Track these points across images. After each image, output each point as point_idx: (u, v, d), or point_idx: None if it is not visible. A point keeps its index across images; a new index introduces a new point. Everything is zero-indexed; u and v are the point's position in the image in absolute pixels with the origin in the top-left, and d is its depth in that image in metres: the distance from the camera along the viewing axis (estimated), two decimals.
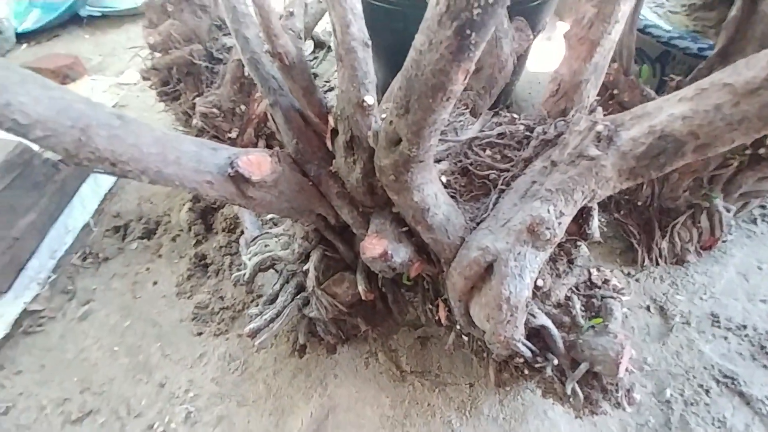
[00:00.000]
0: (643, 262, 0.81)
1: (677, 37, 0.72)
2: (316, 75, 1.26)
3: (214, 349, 0.76)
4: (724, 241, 0.82)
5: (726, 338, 0.73)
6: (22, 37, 1.64)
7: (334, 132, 0.48)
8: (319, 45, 1.29)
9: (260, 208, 0.48)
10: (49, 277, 0.90)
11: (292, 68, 0.45)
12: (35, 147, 0.93)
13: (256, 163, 0.44)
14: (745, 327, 0.73)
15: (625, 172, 0.43)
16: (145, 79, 0.85)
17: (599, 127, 0.42)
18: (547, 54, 1.23)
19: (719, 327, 0.74)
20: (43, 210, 0.93)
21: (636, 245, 0.81)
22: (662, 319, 0.76)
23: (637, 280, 0.81)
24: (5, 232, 0.86)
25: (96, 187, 1.04)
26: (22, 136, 0.32)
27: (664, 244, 0.79)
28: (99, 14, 1.65)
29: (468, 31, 0.24)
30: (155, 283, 0.87)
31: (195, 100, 0.83)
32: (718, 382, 0.67)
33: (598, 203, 0.83)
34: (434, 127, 0.33)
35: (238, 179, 0.43)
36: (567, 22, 1.31)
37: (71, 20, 1.67)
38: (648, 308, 0.78)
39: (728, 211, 0.74)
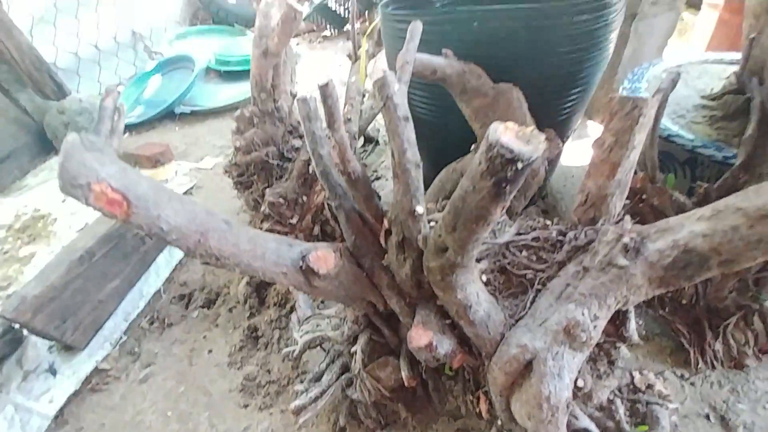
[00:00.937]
0: (698, 364, 0.78)
1: (701, 146, 0.78)
2: (365, 165, 1.42)
3: (257, 424, 0.79)
4: None
5: None
6: (127, 128, 2.00)
7: (388, 232, 0.57)
8: (369, 140, 1.48)
9: (321, 295, 0.56)
10: (120, 339, 1.00)
11: (357, 181, 0.56)
12: None
13: (323, 258, 0.52)
14: None
15: (655, 281, 0.47)
16: (226, 172, 1.02)
17: (626, 239, 0.48)
18: (579, 150, 1.32)
19: None
20: (126, 277, 1.08)
21: (687, 345, 0.79)
22: (723, 430, 0.70)
23: (692, 384, 0.77)
24: (94, 295, 1.00)
25: (170, 257, 1.19)
26: (161, 238, 0.42)
27: (718, 346, 0.76)
28: (189, 111, 2.00)
29: (503, 185, 0.32)
30: (210, 351, 0.94)
31: (265, 190, 0.98)
32: None
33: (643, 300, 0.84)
34: (476, 243, 0.40)
35: (308, 272, 0.51)
36: (596, 121, 1.42)
37: (166, 116, 2.03)
38: (707, 417, 0.73)
39: None
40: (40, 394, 0.91)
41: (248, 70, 2.28)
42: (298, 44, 2.82)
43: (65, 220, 1.39)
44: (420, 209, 0.52)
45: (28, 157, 1.79)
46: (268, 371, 0.87)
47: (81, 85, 2.12)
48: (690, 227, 0.45)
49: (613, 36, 0.78)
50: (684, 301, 0.76)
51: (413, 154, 0.52)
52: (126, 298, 1.08)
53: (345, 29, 2.71)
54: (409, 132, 0.52)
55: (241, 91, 2.07)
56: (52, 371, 0.93)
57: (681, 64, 1.09)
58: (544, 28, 0.68)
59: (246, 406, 0.82)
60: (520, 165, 0.30)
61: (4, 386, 0.95)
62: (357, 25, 2.41)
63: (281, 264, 0.51)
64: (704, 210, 0.45)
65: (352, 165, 0.53)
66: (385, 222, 0.57)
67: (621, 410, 0.49)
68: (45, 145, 1.82)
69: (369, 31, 1.12)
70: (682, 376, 0.78)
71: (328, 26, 2.70)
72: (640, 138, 0.53)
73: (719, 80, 0.96)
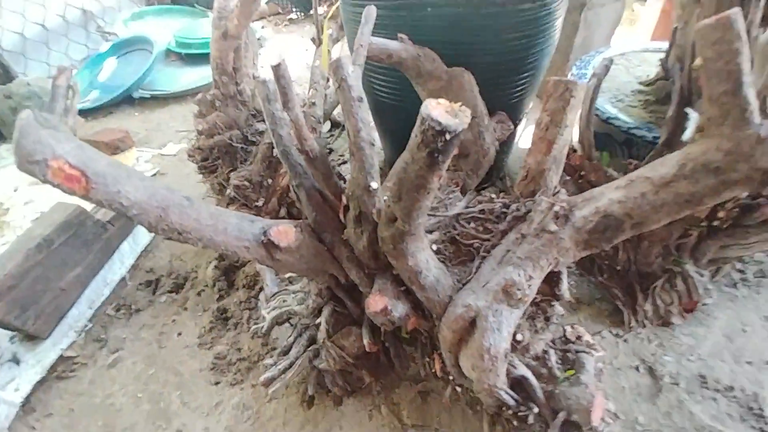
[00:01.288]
0: (630, 323, 0.87)
1: (635, 127, 0.86)
2: (331, 150, 1.44)
3: (229, 399, 0.81)
4: (705, 304, 0.88)
5: (715, 399, 0.76)
6: (82, 113, 1.90)
7: (346, 208, 0.60)
8: (335, 125, 1.49)
9: (284, 268, 0.59)
10: (86, 326, 0.99)
11: (315, 160, 0.59)
12: (88, 209, 1.08)
13: (284, 232, 0.55)
14: (732, 388, 0.77)
15: (581, 244, 0.53)
16: (190, 156, 1.02)
17: (556, 208, 0.53)
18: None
19: (707, 388, 0.77)
20: (88, 264, 1.06)
21: (621, 307, 0.88)
22: (652, 380, 0.80)
23: (625, 341, 0.86)
24: (55, 283, 0.98)
25: (134, 244, 1.18)
26: (122, 213, 0.44)
27: (648, 306, 0.86)
28: (148, 96, 1.93)
29: (436, 155, 0.36)
30: (179, 334, 0.95)
31: (230, 174, 0.98)
32: None
33: (583, 267, 0.92)
34: (420, 211, 0.45)
35: (269, 245, 0.54)
36: None
37: (124, 100, 1.95)
38: (637, 368, 0.82)
39: (701, 275, 0.81)
40: (5, 383, 0.89)
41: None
42: (263, 27, 2.75)
43: (18, 210, 1.33)
44: (374, 185, 0.55)
45: None
46: (239, 349, 0.90)
47: (28, 68, 2.00)
48: (609, 195, 0.51)
49: (558, 24, 0.84)
50: (618, 268, 0.84)
51: (367, 133, 0.56)
52: (89, 286, 1.06)
53: (311, 12, 2.67)
54: (364, 112, 0.56)
55: (203, 75, 2.02)
56: (16, 360, 0.92)
57: (624, 53, 1.18)
58: (492, 15, 0.73)
59: (217, 383, 0.85)
60: (448, 136, 0.35)
61: None
62: (322, 9, 2.38)
63: (243, 238, 0.53)
64: (620, 180, 0.51)
65: (309, 143, 0.56)
66: (344, 198, 0.61)
67: (553, 359, 0.56)
68: None
69: (331, 14, 1.13)
70: (617, 335, 0.87)
71: (293, 9, 2.65)
72: (572, 117, 0.59)
73: (656, 68, 1.04)
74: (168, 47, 2.17)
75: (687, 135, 0.57)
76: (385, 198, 0.54)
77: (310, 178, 0.63)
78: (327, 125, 1.50)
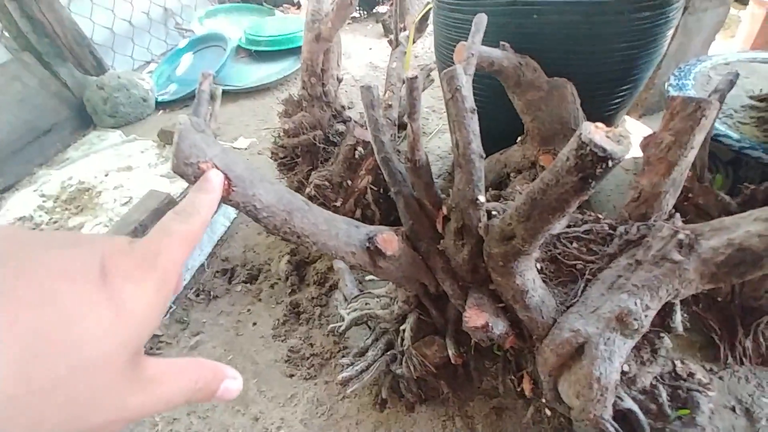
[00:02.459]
0: (726, 359, 0.80)
1: (748, 147, 0.78)
2: (399, 151, 1.44)
3: (303, 392, 0.84)
4: None
5: None
6: (160, 105, 2.04)
7: (446, 219, 0.60)
8: (402, 127, 1.49)
9: (383, 275, 0.60)
10: (171, 308, 1.06)
11: (420, 169, 0.59)
12: (176, 198, 1.16)
13: (389, 240, 0.56)
14: None
15: (706, 276, 0.49)
16: (273, 154, 1.06)
17: (681, 236, 0.50)
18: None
19: None
20: None
21: (717, 341, 0.81)
22: (748, 422, 0.74)
23: (720, 378, 0.80)
24: None
25: (212, 234, 1.25)
26: (253, 215, 0.46)
27: (748, 344, 0.79)
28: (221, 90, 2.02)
29: (590, 180, 0.35)
30: (255, 324, 1.00)
31: (309, 173, 1.01)
32: None
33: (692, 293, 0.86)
34: (546, 233, 0.44)
35: (375, 252, 0.55)
36: (633, 117, 1.41)
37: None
38: (733, 409, 0.76)
39: None
40: None
41: (278, 51, 2.28)
42: None
43: (109, 193, 1.45)
44: (482, 198, 0.55)
45: (69, 130, 1.85)
46: (311, 345, 0.93)
47: (116, 62, 2.17)
48: (746, 227, 0.47)
49: (670, 33, 0.78)
50: (719, 299, 0.78)
51: (477, 145, 0.55)
52: None
53: (373, 11, 2.69)
54: (474, 124, 0.55)
55: (271, 71, 2.09)
56: None
57: (729, 62, 1.08)
58: (603, 23, 0.69)
59: (291, 375, 0.88)
60: (610, 163, 0.33)
61: None
62: (385, 8, 2.38)
63: (351, 244, 0.54)
64: (761, 212, 0.47)
65: (420, 154, 0.56)
66: (444, 209, 0.60)
67: (664, 395, 0.53)
68: (84, 120, 1.88)
69: (419, 16, 1.13)
70: (710, 370, 0.81)
71: (357, 8, 2.68)
72: (699, 139, 0.55)
73: None
74: (238, 44, 2.27)
75: None
76: (495, 213, 0.53)
77: (408, 187, 0.63)
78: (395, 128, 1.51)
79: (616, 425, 0.52)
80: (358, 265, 0.57)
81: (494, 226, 0.51)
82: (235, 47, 2.27)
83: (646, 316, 0.50)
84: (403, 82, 1.21)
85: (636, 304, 0.50)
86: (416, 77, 0.50)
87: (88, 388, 0.16)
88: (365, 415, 0.79)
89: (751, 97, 0.93)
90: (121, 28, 2.23)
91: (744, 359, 0.80)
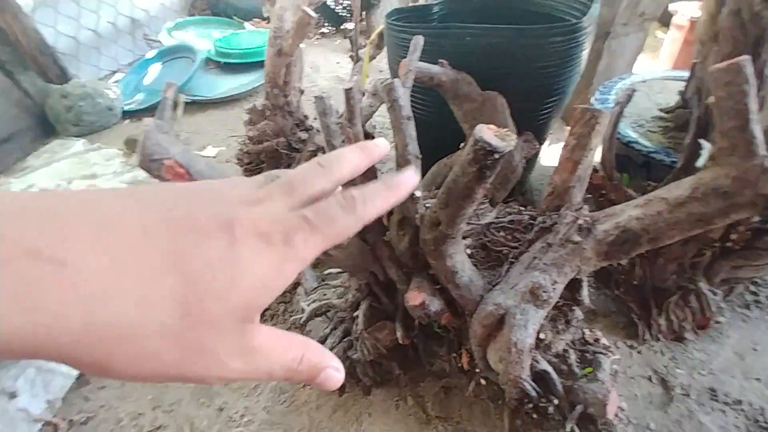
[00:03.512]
0: (644, 336, 0.92)
1: (654, 152, 0.92)
2: None
3: (266, 383, 0.89)
4: (718, 323, 0.93)
5: (724, 411, 0.80)
6: (127, 114, 2.04)
7: (390, 213, 0.68)
8: (366, 136, 1.58)
9: (334, 263, 0.67)
10: None
11: (366, 169, 0.67)
12: None
13: None
14: (740, 402, 0.81)
15: (601, 254, 0.59)
16: (239, 160, 1.12)
17: (580, 221, 0.60)
18: (556, 153, 1.46)
19: (717, 401, 0.82)
20: None
21: (636, 321, 0.93)
22: (664, 390, 0.85)
23: (639, 352, 0.91)
24: None
25: None
26: None
27: (662, 321, 0.91)
28: (190, 100, 2.06)
29: (485, 170, 0.44)
30: None
31: None
32: None
33: (600, 281, 0.98)
34: (464, 217, 0.52)
35: None
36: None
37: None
38: (650, 378, 0.87)
39: (714, 294, 0.86)
40: None
41: (248, 63, 2.33)
42: None
43: None
44: (418, 193, 0.63)
45: (30, 138, 1.82)
46: None
47: (80, 71, 2.15)
48: (628, 212, 0.58)
49: (584, 54, 0.91)
50: (635, 282, 0.90)
51: (414, 147, 0.64)
52: None
53: (342, 27, 2.81)
54: (411, 129, 0.64)
55: (241, 83, 2.14)
56: None
57: (645, 80, 1.24)
58: (525, 46, 0.80)
59: None
60: (496, 156, 0.42)
61: None
62: (353, 25, 2.49)
63: None
64: (639, 200, 0.58)
65: None
66: None
67: (573, 357, 0.62)
68: (46, 128, 1.85)
69: (372, 37, 1.23)
70: (631, 346, 0.92)
71: (325, 24, 2.79)
72: (596, 142, 0.66)
73: (676, 95, 1.10)
74: (208, 55, 2.31)
75: (700, 162, 0.63)
76: (428, 205, 0.62)
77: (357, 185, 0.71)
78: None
79: (532, 383, 0.60)
80: None
81: (425, 216, 0.59)
82: (205, 59, 2.31)
83: (554, 289, 0.59)
84: (363, 94, 1.30)
85: (545, 279, 0.59)
86: (351, 89, 0.58)
87: (198, 339, 0.17)
88: (324, 400, 0.84)
89: (660, 110, 1.08)
90: (87, 37, 2.22)
91: (659, 336, 0.92)
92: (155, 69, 2.26)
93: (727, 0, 0.79)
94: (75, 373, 0.94)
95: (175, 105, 0.58)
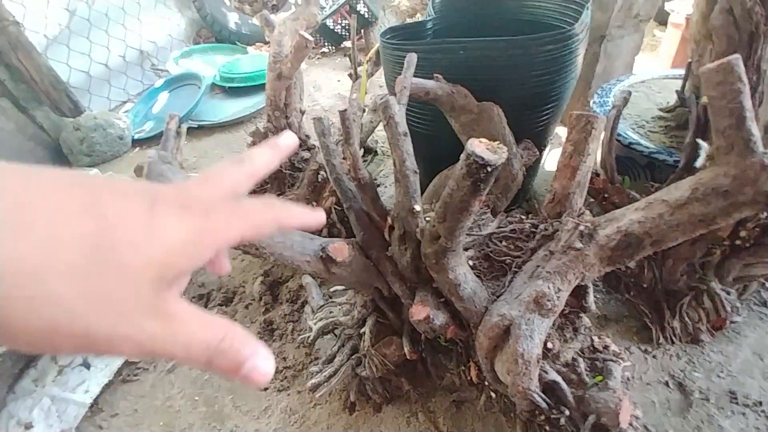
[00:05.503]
0: (659, 339, 0.90)
1: (656, 152, 0.91)
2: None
3: (277, 404, 0.89)
4: (734, 322, 0.90)
5: (744, 414, 0.77)
6: (137, 143, 2.10)
7: (391, 228, 0.69)
8: (368, 151, 1.60)
9: (337, 280, 0.67)
10: None
11: (365, 186, 0.68)
12: None
13: (340, 249, 0.64)
14: (761, 404, 0.78)
15: (605, 260, 0.59)
16: None
17: (581, 227, 0.60)
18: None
19: (737, 403, 0.79)
20: None
21: (650, 324, 0.91)
22: (682, 395, 0.82)
23: (654, 357, 0.89)
24: None
25: None
26: None
27: (676, 324, 0.89)
28: (196, 126, 2.11)
29: (479, 183, 0.44)
30: None
31: (278, 197, 1.09)
32: None
33: (610, 285, 0.96)
34: (462, 230, 0.52)
35: (327, 260, 0.63)
36: None
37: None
38: (667, 384, 0.84)
39: (728, 293, 0.84)
40: (75, 386, 1.00)
41: (251, 86, 2.39)
42: None
43: None
44: (418, 207, 0.64)
45: None
46: (284, 359, 0.98)
47: (92, 103, 2.24)
48: (629, 216, 0.57)
49: (579, 60, 0.92)
50: (645, 285, 0.88)
51: (411, 162, 0.64)
52: None
53: (341, 46, 2.87)
54: (408, 145, 0.65)
55: (245, 106, 2.20)
56: (86, 365, 1.03)
57: (644, 80, 1.24)
58: (518, 56, 0.81)
59: (265, 389, 0.93)
60: (489, 169, 0.42)
61: (40, 381, 1.04)
62: (351, 43, 2.54)
63: (306, 254, 0.62)
64: (640, 203, 0.57)
65: (362, 172, 0.65)
66: (389, 219, 0.69)
67: (582, 366, 0.61)
68: (60, 161, 1.92)
69: (370, 55, 1.25)
70: (645, 351, 0.90)
71: (325, 43, 2.85)
72: (593, 147, 0.66)
73: (675, 94, 1.10)
74: (213, 81, 2.38)
75: (699, 162, 0.63)
76: (429, 218, 0.62)
77: (359, 202, 0.72)
78: (361, 151, 1.61)
79: (542, 395, 0.59)
80: (314, 272, 0.64)
81: (426, 230, 0.59)
82: (210, 84, 2.38)
83: (558, 297, 0.59)
84: (363, 111, 1.32)
85: (549, 287, 0.59)
86: (345, 110, 0.59)
87: (107, 287, 0.16)
88: (336, 419, 0.84)
89: (660, 110, 1.07)
90: (98, 71, 2.32)
91: (674, 338, 0.89)
92: (163, 97, 2.33)
93: None
94: (89, 401, 0.95)
95: (178, 134, 0.60)
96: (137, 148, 2.08)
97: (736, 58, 0.48)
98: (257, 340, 0.20)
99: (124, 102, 2.45)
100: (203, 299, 1.18)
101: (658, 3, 1.35)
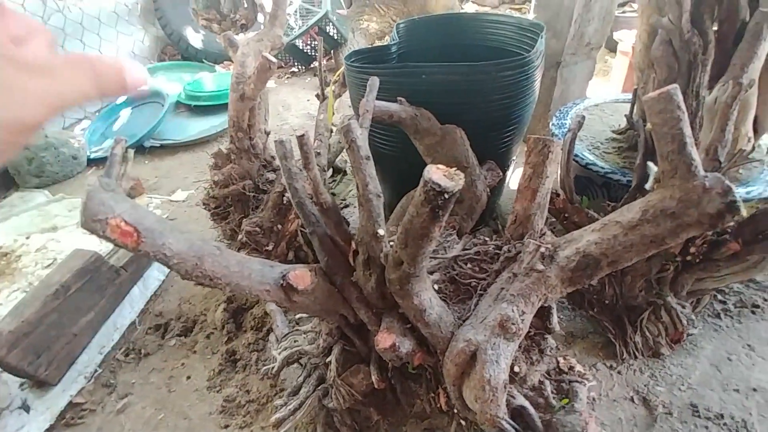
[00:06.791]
0: (622, 355, 0.92)
1: (611, 172, 0.95)
2: (334, 194, 1.53)
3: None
4: (691, 335, 0.94)
5: (707, 428, 0.79)
6: (93, 162, 2.00)
7: (355, 253, 0.67)
8: (337, 171, 1.59)
9: (300, 309, 0.64)
10: (95, 372, 1.01)
11: (328, 210, 0.66)
12: (104, 255, 1.14)
13: (301, 276, 0.61)
14: (722, 416, 0.80)
15: (566, 281, 0.59)
16: (205, 204, 1.09)
17: (542, 249, 0.61)
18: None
19: (699, 417, 0.81)
20: (100, 309, 1.09)
21: (613, 339, 0.93)
22: (646, 410, 0.84)
23: (619, 373, 0.90)
24: (68, 329, 1.01)
25: (144, 289, 1.22)
26: (164, 263, 0.50)
27: (638, 338, 0.91)
28: (159, 145, 2.04)
29: (437, 210, 0.44)
30: (188, 377, 0.98)
31: (241, 220, 1.05)
32: None
33: (574, 302, 0.98)
34: (424, 255, 0.52)
35: (288, 288, 0.60)
36: None
37: (136, 149, 2.05)
38: (632, 399, 0.86)
39: (683, 307, 0.88)
40: None
41: (217, 105, 2.35)
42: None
43: (30, 256, 1.38)
44: (381, 232, 0.62)
45: None
46: (248, 391, 0.92)
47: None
48: (587, 237, 0.58)
49: (537, 84, 0.96)
50: (606, 302, 0.90)
51: (375, 186, 0.64)
52: (100, 331, 1.09)
53: (311, 66, 2.88)
54: (370, 168, 0.64)
55: (211, 125, 2.15)
56: (26, 408, 0.93)
57: (598, 103, 1.31)
58: (478, 81, 0.84)
59: (226, 426, 0.87)
60: (447, 196, 0.42)
61: None
62: (323, 64, 2.55)
63: (265, 282, 0.59)
64: (596, 224, 0.59)
65: (324, 197, 0.64)
66: (353, 244, 0.67)
67: (549, 389, 0.61)
68: (5, 181, 1.79)
69: (336, 76, 1.26)
70: (611, 366, 0.91)
71: (295, 63, 2.86)
72: (551, 169, 0.68)
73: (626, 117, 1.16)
74: (178, 99, 2.32)
75: (649, 184, 0.66)
76: (392, 243, 0.61)
77: (322, 226, 0.70)
78: (329, 171, 1.60)
79: (511, 422, 0.58)
80: (275, 302, 0.61)
81: (390, 255, 0.58)
82: (174, 102, 2.32)
83: (522, 320, 0.58)
84: (331, 132, 1.32)
85: (513, 310, 0.59)
86: (303, 135, 0.58)
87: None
88: None
89: (613, 131, 1.13)
90: None
91: (636, 353, 0.92)
92: (125, 114, 2.24)
93: (659, 30, 0.86)
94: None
95: (125, 159, 0.57)
96: (93, 168, 1.97)
97: (675, 88, 0.51)
98: (119, 58, 0.25)
99: (80, 119, 2.33)
100: (160, 329, 1.10)
101: (607, 33, 1.45)
